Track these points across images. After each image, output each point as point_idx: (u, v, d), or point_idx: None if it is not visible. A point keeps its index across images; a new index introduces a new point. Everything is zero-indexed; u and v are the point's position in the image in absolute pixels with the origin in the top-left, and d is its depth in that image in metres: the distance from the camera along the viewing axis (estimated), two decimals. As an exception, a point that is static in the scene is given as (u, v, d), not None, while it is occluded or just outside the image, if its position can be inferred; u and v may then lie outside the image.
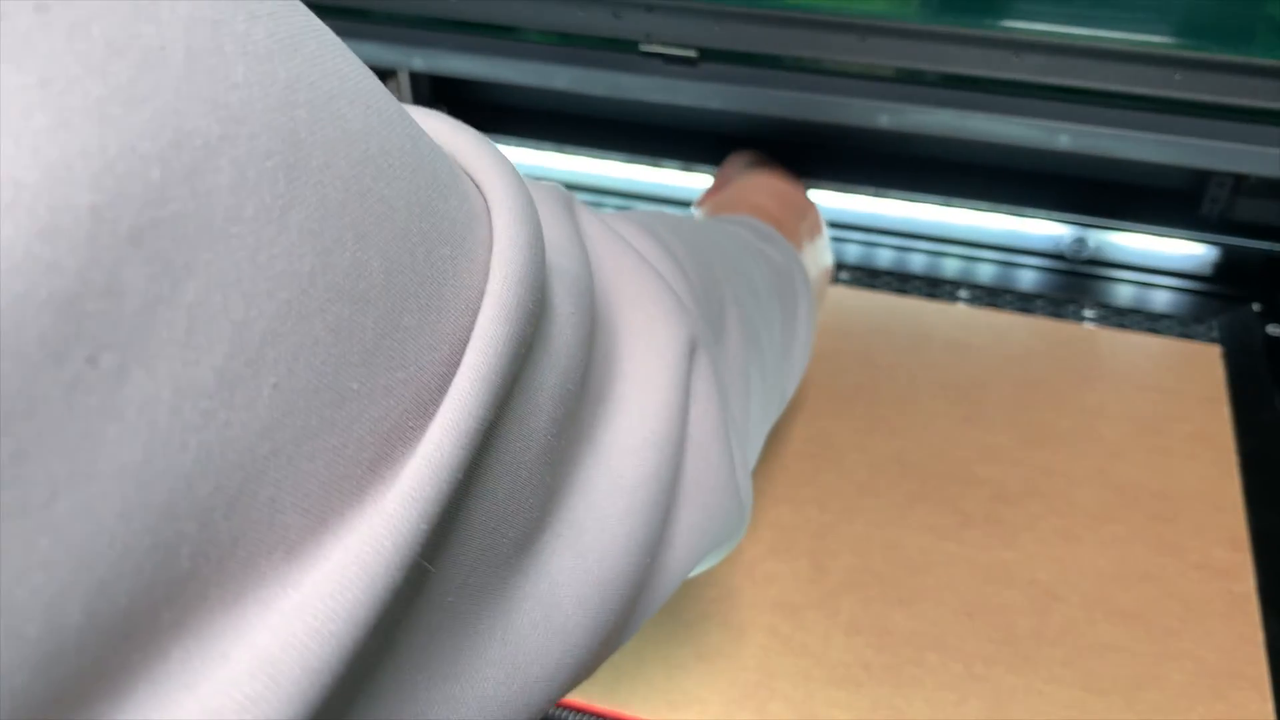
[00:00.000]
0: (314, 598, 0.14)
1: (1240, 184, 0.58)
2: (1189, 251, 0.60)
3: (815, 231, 0.53)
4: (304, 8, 0.15)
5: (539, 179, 0.25)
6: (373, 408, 0.15)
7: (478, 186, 0.19)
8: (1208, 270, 0.60)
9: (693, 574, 0.27)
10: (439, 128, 0.20)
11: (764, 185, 0.54)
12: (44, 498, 0.11)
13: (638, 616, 0.23)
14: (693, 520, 0.24)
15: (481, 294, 0.17)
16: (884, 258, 0.64)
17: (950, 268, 0.63)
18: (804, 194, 0.55)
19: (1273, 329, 0.57)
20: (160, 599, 0.12)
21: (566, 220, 0.22)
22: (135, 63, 0.12)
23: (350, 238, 0.14)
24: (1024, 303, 0.60)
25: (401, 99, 0.72)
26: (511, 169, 0.19)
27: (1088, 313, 0.59)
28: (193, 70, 0.12)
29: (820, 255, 0.53)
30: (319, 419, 0.14)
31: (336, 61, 0.15)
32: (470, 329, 0.16)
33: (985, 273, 0.62)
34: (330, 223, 0.14)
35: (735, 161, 0.59)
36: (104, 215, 0.11)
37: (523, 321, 0.17)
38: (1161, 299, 0.60)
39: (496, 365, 0.16)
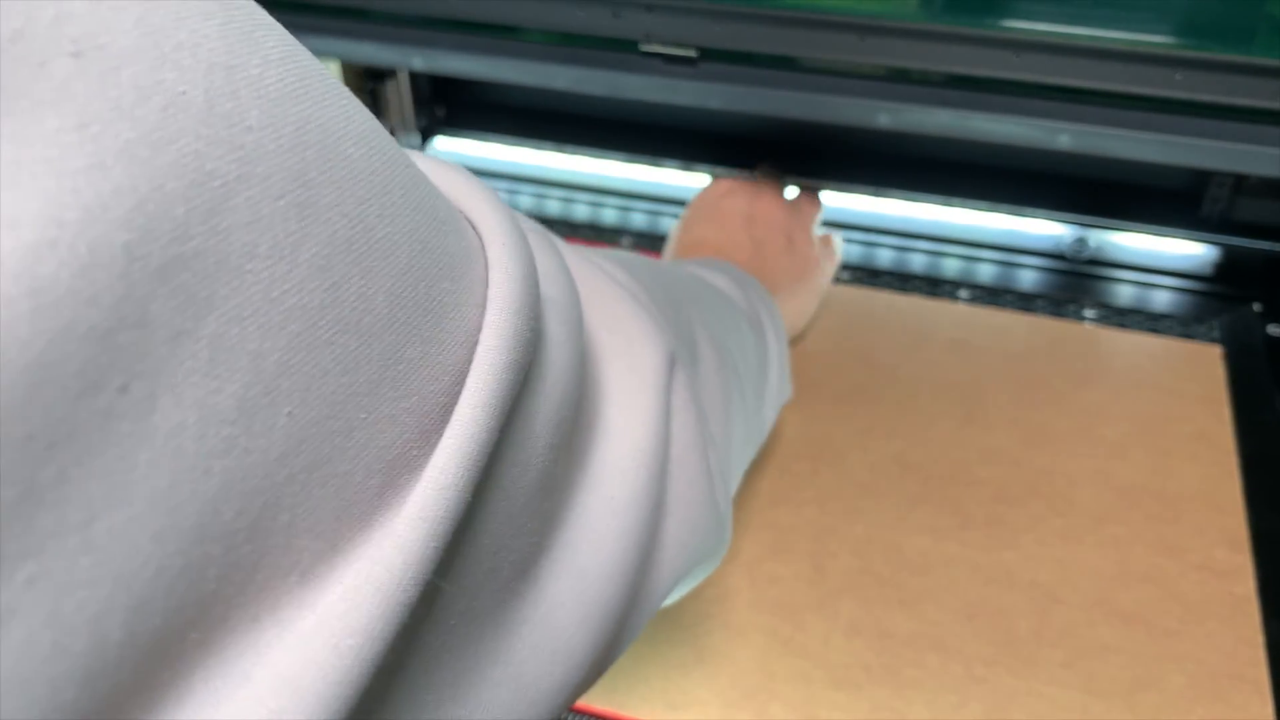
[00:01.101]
0: (330, 617, 0.14)
1: (1240, 184, 0.58)
2: (1189, 251, 0.60)
3: (803, 259, 0.54)
4: (307, 51, 0.16)
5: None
6: (379, 436, 0.15)
7: (472, 223, 0.19)
8: (1208, 270, 0.60)
9: (673, 598, 0.28)
10: (432, 168, 0.20)
11: (733, 213, 0.55)
12: (84, 519, 0.11)
13: (628, 634, 0.23)
14: (677, 535, 0.25)
15: (480, 325, 0.17)
16: (884, 257, 0.64)
17: (950, 268, 0.63)
18: (784, 215, 0.55)
19: (1274, 329, 0.57)
20: (189, 619, 0.13)
21: (553, 251, 0.23)
22: (160, 106, 0.12)
23: (356, 273, 0.15)
24: (1024, 302, 0.60)
25: (401, 99, 0.72)
26: (502, 205, 0.20)
27: (1088, 312, 0.59)
28: (212, 113, 0.13)
29: (809, 281, 0.54)
30: (330, 447, 0.14)
31: (341, 103, 0.16)
32: (470, 359, 0.17)
33: (986, 273, 0.62)
34: (338, 259, 0.14)
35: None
36: (136, 252, 0.12)
37: (520, 349, 0.18)
38: (1162, 299, 0.60)
39: (497, 391, 0.17)
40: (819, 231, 0.58)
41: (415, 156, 0.20)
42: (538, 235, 0.23)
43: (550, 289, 0.21)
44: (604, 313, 0.25)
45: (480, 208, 0.20)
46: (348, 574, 0.15)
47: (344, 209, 0.15)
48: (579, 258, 0.27)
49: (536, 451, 0.19)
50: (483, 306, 0.18)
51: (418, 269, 0.16)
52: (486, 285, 0.18)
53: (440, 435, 0.16)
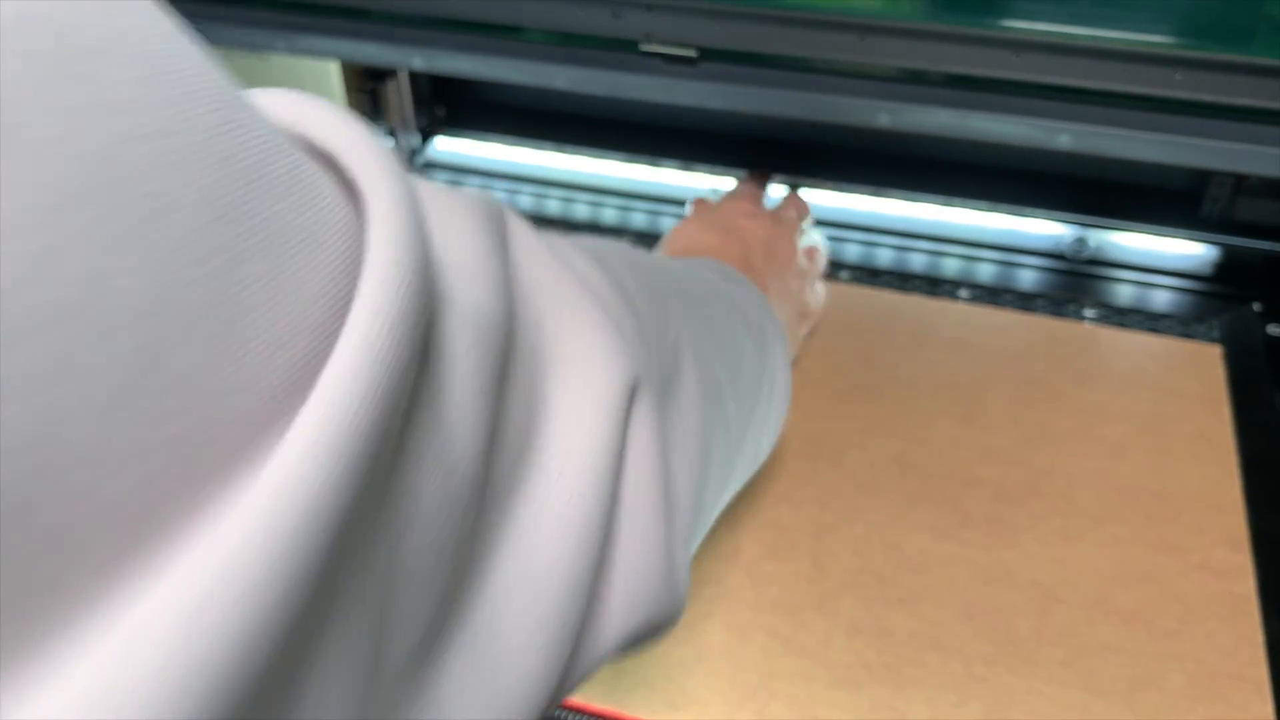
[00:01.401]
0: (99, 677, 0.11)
1: (1240, 184, 0.58)
2: (1189, 251, 0.60)
3: (785, 267, 0.51)
4: None
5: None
6: (116, 479, 0.11)
7: (360, 192, 0.15)
8: (1208, 270, 0.60)
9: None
10: (309, 115, 0.16)
11: (711, 222, 0.52)
12: None
13: (548, 708, 0.20)
14: (620, 602, 0.21)
15: (324, 330, 0.13)
16: (884, 257, 0.64)
17: (951, 267, 0.63)
18: (763, 225, 0.52)
19: (1273, 329, 0.57)
20: None
21: (481, 237, 0.19)
22: None
23: (90, 239, 0.11)
24: (1024, 302, 0.60)
25: (401, 99, 0.72)
26: (396, 170, 0.16)
27: (1088, 312, 0.59)
28: None
29: (794, 293, 0.51)
30: (18, 495, 0.10)
31: (112, 15, 0.12)
32: (301, 374, 0.13)
33: (986, 272, 0.62)
34: (55, 217, 0.10)
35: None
36: None
37: (392, 371, 0.13)
38: (1162, 299, 0.60)
39: (351, 430, 0.13)
40: (806, 241, 0.56)
41: (291, 98, 0.16)
42: (469, 216, 0.19)
43: (461, 286, 0.17)
44: (560, 314, 0.21)
45: (366, 171, 0.15)
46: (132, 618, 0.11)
47: (78, 148, 0.11)
48: (540, 247, 0.22)
49: (428, 509, 0.15)
50: (334, 303, 0.14)
51: (210, 242, 0.12)
52: (350, 276, 0.14)
53: (241, 480, 0.12)
